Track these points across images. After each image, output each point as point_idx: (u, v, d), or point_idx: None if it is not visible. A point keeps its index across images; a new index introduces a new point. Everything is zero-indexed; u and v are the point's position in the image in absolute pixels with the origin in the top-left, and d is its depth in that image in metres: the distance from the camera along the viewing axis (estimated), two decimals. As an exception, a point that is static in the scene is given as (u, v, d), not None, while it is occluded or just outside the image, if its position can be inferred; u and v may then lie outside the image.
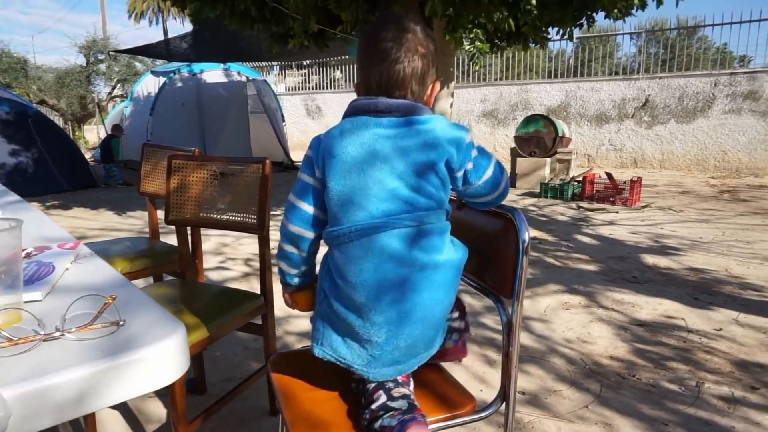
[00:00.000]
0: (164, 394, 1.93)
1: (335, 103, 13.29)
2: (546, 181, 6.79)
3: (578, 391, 1.97)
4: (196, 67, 9.70)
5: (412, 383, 1.04)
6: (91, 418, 1.60)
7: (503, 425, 1.59)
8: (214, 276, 3.45)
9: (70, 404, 0.61)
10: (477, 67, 5.30)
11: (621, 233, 4.56)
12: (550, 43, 7.80)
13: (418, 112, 0.99)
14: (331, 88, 13.84)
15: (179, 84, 9.61)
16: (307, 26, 5.43)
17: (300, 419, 1.01)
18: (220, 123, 9.43)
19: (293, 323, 2.63)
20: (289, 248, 1.09)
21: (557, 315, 2.73)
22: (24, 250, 1.04)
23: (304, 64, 14.30)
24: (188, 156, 1.84)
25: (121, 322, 0.73)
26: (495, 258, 1.12)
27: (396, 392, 0.98)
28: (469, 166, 1.01)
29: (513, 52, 10.70)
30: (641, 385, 2.00)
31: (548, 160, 7.30)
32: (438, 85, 1.07)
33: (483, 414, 1.09)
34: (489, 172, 1.04)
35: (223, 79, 9.97)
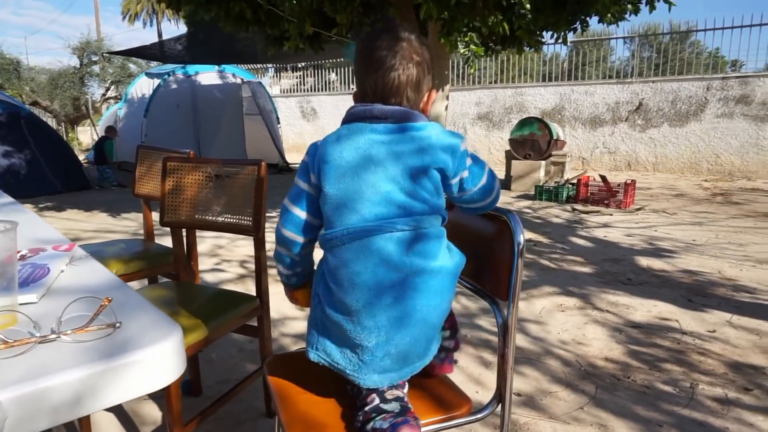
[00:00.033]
0: (159, 396, 1.92)
1: (330, 105, 13.29)
2: (541, 184, 6.82)
3: (573, 393, 1.97)
4: (191, 68, 9.67)
5: (406, 386, 1.04)
6: (85, 421, 1.59)
7: (499, 427, 1.59)
8: (210, 278, 3.44)
9: (66, 406, 0.61)
10: (472, 70, 5.32)
11: (615, 235, 4.58)
12: (545, 47, 7.85)
13: (413, 118, 1.00)
14: (326, 90, 13.84)
15: (174, 86, 9.58)
16: (303, 29, 5.43)
17: (296, 421, 1.01)
18: (215, 125, 9.41)
19: (289, 325, 2.63)
20: (283, 251, 1.11)
21: (552, 317, 2.74)
22: (18, 252, 1.04)
23: (299, 66, 14.29)
24: (183, 158, 1.84)
25: (117, 324, 0.73)
26: (490, 260, 1.13)
27: (389, 395, 0.98)
28: (465, 174, 1.03)
29: (508, 56, 10.74)
30: (636, 387, 2.01)
31: (543, 162, 7.33)
32: (435, 93, 1.09)
33: (479, 415, 1.09)
34: (483, 180, 1.06)
35: (218, 81, 9.95)
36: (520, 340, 2.44)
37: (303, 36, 5.69)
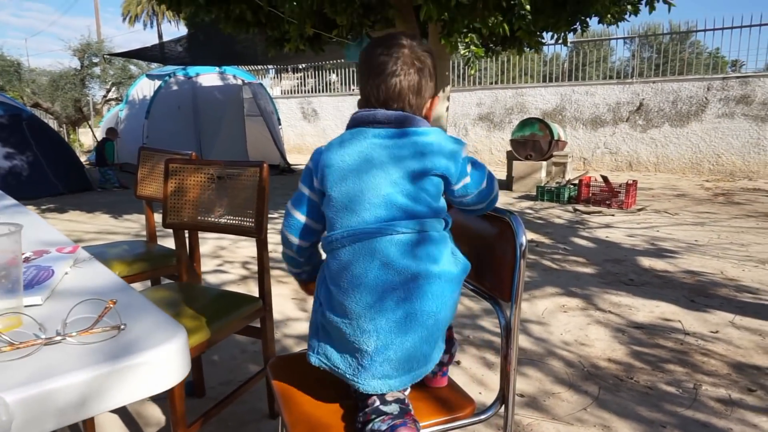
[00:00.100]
0: (163, 398, 1.92)
1: (331, 106, 13.30)
2: (542, 184, 6.81)
3: (576, 394, 1.97)
4: (192, 70, 9.68)
5: (408, 389, 1.04)
6: (90, 422, 1.60)
7: (502, 428, 1.60)
8: (212, 279, 3.44)
9: (71, 408, 0.61)
10: (472, 71, 5.32)
11: (617, 236, 4.58)
12: (545, 48, 7.84)
13: (415, 123, 1.02)
14: (326, 91, 13.85)
15: (175, 87, 9.59)
16: (303, 30, 5.44)
17: (300, 422, 1.01)
18: (216, 126, 9.41)
19: (292, 326, 2.63)
20: (287, 252, 1.15)
21: (555, 318, 2.74)
22: (23, 254, 1.04)
23: (300, 67, 14.31)
24: (185, 160, 1.84)
25: (122, 326, 0.73)
26: (493, 261, 1.13)
27: (389, 396, 0.98)
28: (467, 180, 1.04)
29: (508, 56, 10.74)
30: (639, 388, 2.01)
31: (544, 163, 7.32)
32: (438, 100, 1.11)
33: (482, 417, 1.09)
34: (483, 184, 1.07)
35: (219, 83, 9.96)
36: (522, 341, 2.44)
37: (303, 37, 5.70)
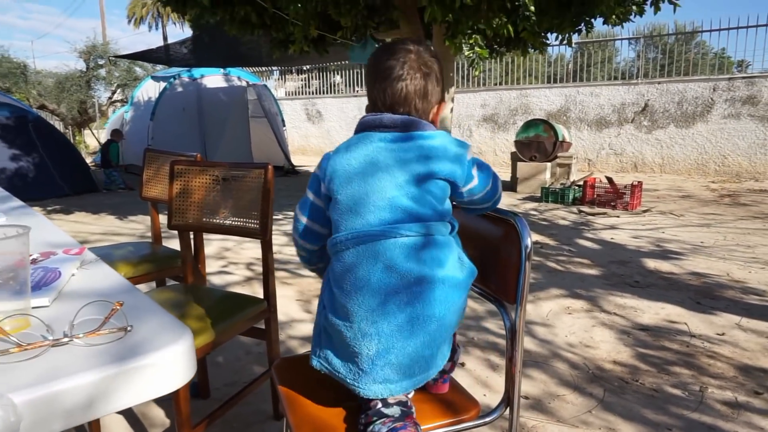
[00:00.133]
0: (168, 399, 1.93)
1: (335, 107, 13.32)
2: (547, 186, 6.80)
3: (581, 396, 1.97)
4: (197, 72, 9.72)
5: (412, 392, 1.03)
6: (95, 423, 1.60)
7: (507, 430, 1.59)
8: (217, 280, 3.45)
9: (79, 409, 0.61)
10: (476, 73, 5.32)
11: (622, 237, 4.56)
12: (549, 48, 7.82)
13: (420, 127, 1.03)
14: (331, 92, 13.87)
15: (179, 89, 9.63)
16: (307, 32, 5.45)
17: (304, 423, 1.01)
18: (221, 128, 9.44)
19: (296, 328, 2.63)
20: (299, 251, 1.19)
21: (559, 319, 2.73)
22: (30, 256, 1.04)
23: (304, 68, 14.33)
24: (191, 161, 1.85)
25: (129, 328, 0.73)
26: (498, 263, 1.13)
27: (392, 399, 0.98)
28: (473, 183, 1.05)
29: (512, 57, 10.73)
30: (644, 390, 2.00)
31: (549, 164, 7.31)
32: (445, 105, 1.11)
33: (487, 419, 1.09)
34: (489, 186, 1.09)
35: (224, 84, 9.99)
36: (527, 343, 2.43)
37: (308, 39, 5.72)
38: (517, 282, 1.05)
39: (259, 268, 3.71)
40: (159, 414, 1.87)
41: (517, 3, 4.74)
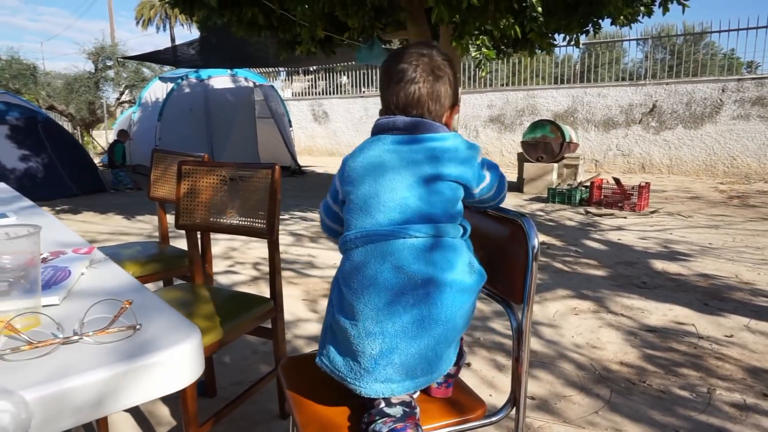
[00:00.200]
0: (175, 397, 1.94)
1: (342, 108, 13.34)
2: (553, 186, 6.78)
3: (588, 397, 1.96)
4: (204, 73, 9.77)
5: (417, 392, 1.03)
6: (103, 421, 1.61)
7: (513, 430, 1.59)
8: (223, 280, 3.46)
9: (88, 407, 0.62)
10: (483, 73, 5.32)
11: (629, 238, 4.54)
12: (557, 49, 7.80)
13: (432, 129, 1.04)
14: (337, 93, 13.90)
15: (187, 90, 9.68)
16: (314, 33, 5.47)
17: (311, 421, 1.02)
18: (228, 128, 9.48)
19: (302, 327, 2.64)
20: (331, 240, 1.22)
21: (566, 320, 2.72)
22: (40, 255, 1.06)
23: (311, 69, 14.37)
24: (198, 161, 1.86)
25: (138, 326, 0.74)
26: (504, 264, 1.12)
27: (395, 399, 0.97)
28: (484, 183, 1.07)
29: (519, 58, 10.71)
30: (652, 391, 1.99)
31: (555, 165, 7.29)
32: (459, 109, 1.13)
33: (493, 419, 1.09)
34: (496, 185, 1.11)
35: (231, 85, 10.03)
36: (533, 344, 2.43)
37: (315, 40, 5.73)
38: (523, 282, 1.05)
39: (266, 268, 3.72)
40: (166, 412, 1.88)
41: (524, 4, 4.74)
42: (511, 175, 8.21)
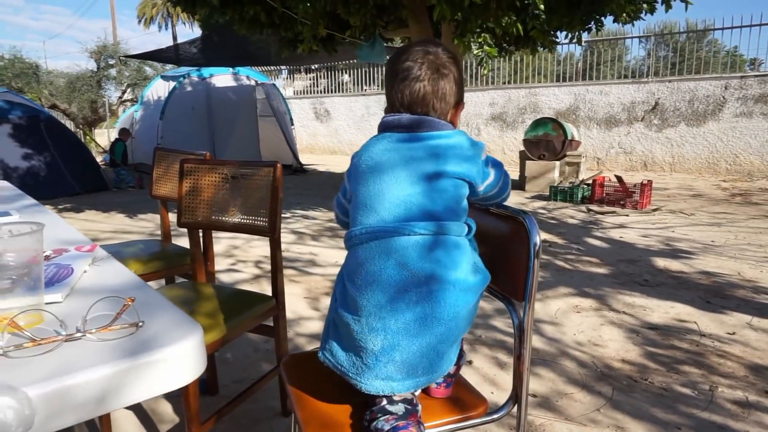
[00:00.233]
0: (177, 395, 1.95)
1: (343, 106, 13.33)
2: (555, 184, 6.77)
3: (590, 394, 1.96)
4: (206, 71, 9.77)
5: (418, 390, 1.03)
6: (106, 418, 1.62)
7: (515, 428, 1.59)
8: (225, 278, 3.47)
9: (91, 403, 0.62)
10: (485, 71, 5.30)
11: (631, 236, 4.53)
12: (559, 47, 7.79)
13: (437, 127, 1.04)
14: (339, 91, 13.89)
15: (189, 88, 9.68)
16: (316, 31, 5.46)
17: (313, 419, 1.02)
18: (230, 127, 9.49)
19: (304, 325, 2.64)
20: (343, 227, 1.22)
21: (568, 318, 2.72)
22: (43, 252, 1.06)
23: (313, 68, 14.36)
24: (200, 160, 1.86)
25: (140, 324, 0.74)
26: (506, 261, 1.13)
27: (397, 396, 0.98)
28: (490, 179, 1.07)
29: (521, 56, 10.69)
30: (653, 389, 1.99)
31: (557, 163, 7.28)
32: (464, 106, 1.14)
33: (495, 416, 1.09)
34: (500, 182, 1.11)
35: (232, 83, 10.04)
36: (535, 341, 2.43)
37: (316, 38, 5.73)
38: (525, 280, 1.05)
39: (268, 266, 3.72)
40: (168, 410, 1.89)
41: (526, 1, 4.73)
42: (513, 173, 8.20)
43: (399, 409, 0.96)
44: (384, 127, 1.08)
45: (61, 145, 7.71)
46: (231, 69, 10.04)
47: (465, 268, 0.99)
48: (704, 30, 9.82)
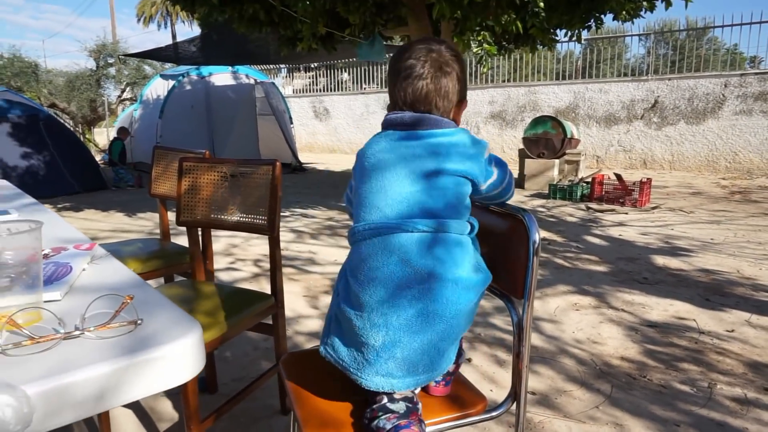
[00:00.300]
0: (176, 393, 1.95)
1: (343, 104, 13.33)
2: (555, 182, 6.77)
3: (589, 392, 1.96)
4: (205, 70, 9.76)
5: (418, 388, 1.04)
6: (104, 416, 1.62)
7: (514, 425, 1.59)
8: (224, 277, 3.47)
9: (90, 401, 0.62)
10: (485, 69, 5.30)
11: (631, 234, 4.54)
12: (558, 45, 7.79)
13: (440, 125, 1.04)
14: (338, 90, 13.88)
15: (188, 87, 9.67)
16: (316, 29, 5.46)
17: (312, 417, 1.02)
18: (229, 125, 9.48)
19: (303, 323, 2.65)
20: None
21: (567, 316, 2.72)
22: (42, 251, 1.06)
23: (312, 66, 14.35)
24: (199, 158, 1.86)
25: (139, 321, 0.74)
26: (505, 259, 1.13)
27: (398, 394, 0.98)
28: (493, 178, 1.08)
29: (521, 54, 10.68)
30: (652, 386, 2.00)
31: (557, 161, 7.28)
32: (466, 104, 1.14)
33: (494, 413, 1.09)
34: (505, 181, 1.11)
35: (232, 82, 10.03)
36: (534, 339, 2.43)
37: (316, 36, 5.72)
38: (525, 277, 1.05)
39: (267, 265, 3.72)
40: (167, 408, 1.89)
41: (525, -1, 4.72)
42: (513, 172, 8.19)
43: (400, 407, 0.96)
44: (387, 125, 1.08)
45: (61, 144, 7.70)
46: (230, 67, 10.03)
47: (467, 266, 0.99)
48: (704, 28, 9.82)
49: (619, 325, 2.60)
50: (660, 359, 2.22)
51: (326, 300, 2.97)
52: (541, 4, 4.63)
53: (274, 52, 7.64)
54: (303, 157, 11.10)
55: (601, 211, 5.65)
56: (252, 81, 10.09)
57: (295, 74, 15.68)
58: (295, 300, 2.98)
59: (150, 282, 2.11)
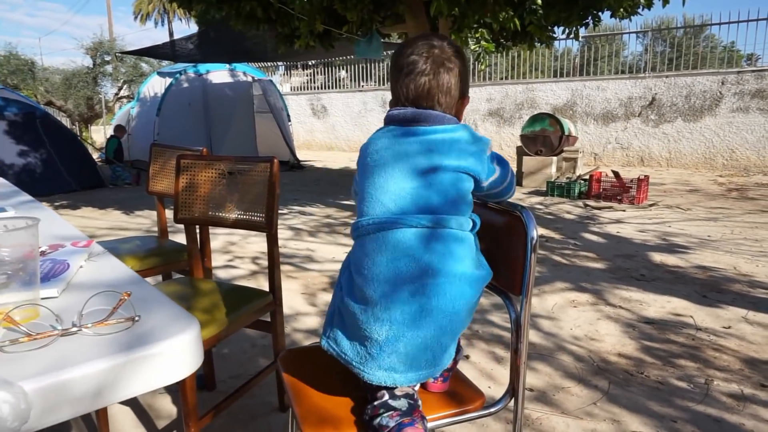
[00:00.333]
0: (174, 390, 1.95)
1: (340, 102, 13.31)
2: (552, 180, 6.78)
3: (586, 388, 1.97)
4: (202, 67, 9.73)
5: (418, 384, 1.04)
6: (102, 413, 1.62)
7: (512, 421, 1.60)
8: (223, 274, 3.47)
9: (87, 397, 0.62)
10: (483, 67, 5.30)
11: (628, 231, 4.55)
12: (556, 42, 7.78)
13: (443, 121, 1.04)
14: (336, 87, 13.86)
15: (185, 84, 9.65)
16: (313, 27, 5.44)
17: (310, 414, 1.02)
18: (226, 123, 9.46)
19: (301, 321, 2.65)
20: None
21: (565, 312, 2.73)
22: (39, 248, 1.06)
23: (310, 64, 14.33)
24: (197, 155, 1.86)
25: (137, 318, 0.74)
26: (503, 256, 1.13)
27: (399, 391, 0.98)
28: (495, 175, 1.08)
29: (518, 52, 10.67)
30: (650, 383, 2.00)
31: (554, 158, 7.28)
32: (468, 100, 1.14)
33: (492, 410, 1.09)
34: (506, 180, 1.12)
35: (229, 80, 10.00)
36: (532, 336, 2.43)
37: (313, 34, 5.71)
38: (522, 274, 1.05)
39: (265, 262, 3.72)
40: (165, 405, 1.89)
41: (523, -4, 4.72)
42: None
43: (402, 404, 0.96)
44: (389, 121, 1.09)
45: (57, 142, 7.68)
46: (228, 65, 10.00)
47: (467, 262, 1.00)
48: (701, 25, 9.83)
49: (617, 321, 2.61)
50: (657, 356, 2.23)
51: (324, 297, 2.97)
52: (539, 2, 4.63)
53: (271, 49, 7.62)
54: (301, 155, 11.09)
55: (599, 209, 5.66)
56: (249, 78, 10.06)
57: (292, 72, 15.65)
58: (293, 297, 2.98)
59: (148, 279, 2.11)
